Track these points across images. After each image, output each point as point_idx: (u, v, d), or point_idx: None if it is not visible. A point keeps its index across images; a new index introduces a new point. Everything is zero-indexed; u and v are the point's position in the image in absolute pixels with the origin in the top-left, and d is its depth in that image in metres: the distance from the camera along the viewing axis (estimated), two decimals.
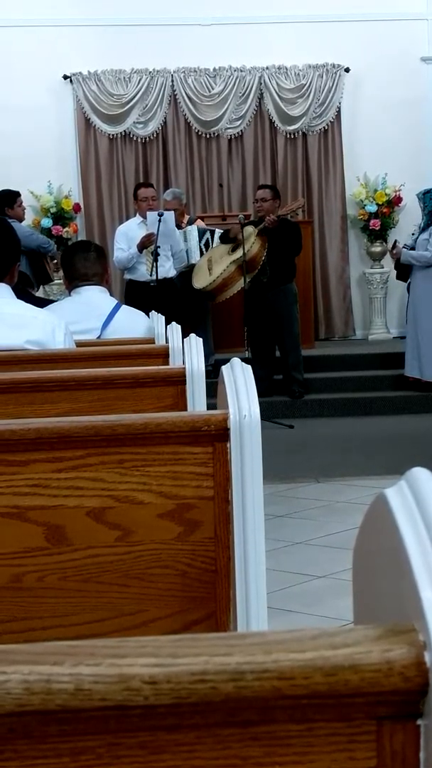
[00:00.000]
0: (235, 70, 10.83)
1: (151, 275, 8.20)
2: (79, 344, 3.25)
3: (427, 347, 8.64)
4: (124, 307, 4.13)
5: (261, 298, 8.52)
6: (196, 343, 2.40)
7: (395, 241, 9.17)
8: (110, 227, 10.36)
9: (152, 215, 8.08)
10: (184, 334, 2.68)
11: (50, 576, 1.58)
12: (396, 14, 10.87)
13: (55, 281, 9.15)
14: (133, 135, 10.82)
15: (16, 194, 8.32)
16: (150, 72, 10.72)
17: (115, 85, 10.74)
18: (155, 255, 8.07)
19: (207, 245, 8.97)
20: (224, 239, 8.71)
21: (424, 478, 0.67)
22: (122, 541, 1.58)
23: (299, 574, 4.45)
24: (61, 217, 10.54)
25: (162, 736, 0.61)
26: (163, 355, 2.98)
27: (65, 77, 10.68)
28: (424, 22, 11.05)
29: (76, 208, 10.68)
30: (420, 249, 8.64)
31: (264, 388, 7.24)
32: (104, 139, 10.78)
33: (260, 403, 1.59)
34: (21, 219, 8.30)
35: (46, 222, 10.46)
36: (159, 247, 8.02)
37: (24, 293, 4.74)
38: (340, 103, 11.00)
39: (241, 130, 10.93)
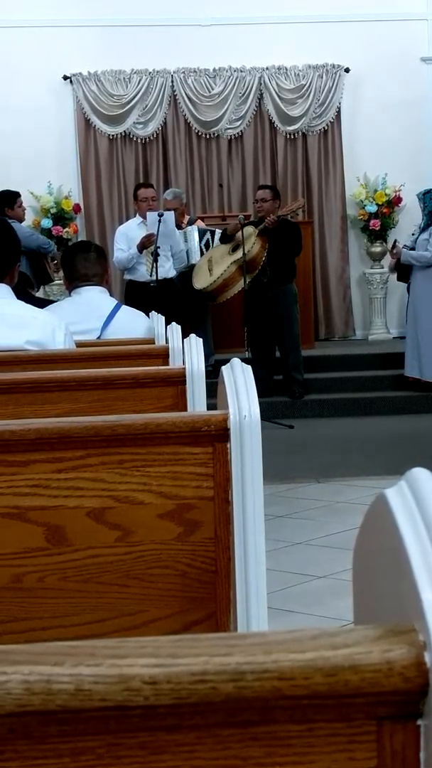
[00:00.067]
0: (235, 71, 10.83)
1: (151, 276, 8.20)
2: (79, 345, 3.25)
3: (427, 347, 8.64)
4: (124, 308, 4.13)
5: (261, 298, 8.52)
6: (196, 343, 2.40)
7: (395, 241, 9.16)
8: (110, 228, 10.36)
9: (152, 216, 8.08)
10: (184, 335, 2.68)
11: (50, 576, 1.58)
12: (396, 14, 10.87)
13: (56, 281, 9.15)
14: (133, 135, 10.83)
15: (16, 195, 8.32)
16: (150, 72, 10.72)
17: (115, 85, 10.75)
18: (155, 255, 8.07)
19: (207, 246, 8.97)
20: (224, 239, 8.71)
21: (424, 479, 0.67)
22: (122, 541, 1.58)
23: (299, 575, 4.46)
24: (61, 217, 10.54)
25: (162, 736, 0.61)
26: (163, 355, 2.98)
27: (65, 78, 10.69)
28: (424, 22, 11.05)
29: (76, 208, 10.68)
30: (420, 249, 8.64)
31: (264, 389, 7.24)
32: (104, 140, 10.79)
33: (260, 404, 1.59)
34: (21, 219, 8.30)
35: (46, 222, 10.46)
36: (159, 247, 8.02)
37: (24, 294, 4.74)
38: (340, 104, 11.00)
39: (241, 131, 10.93)
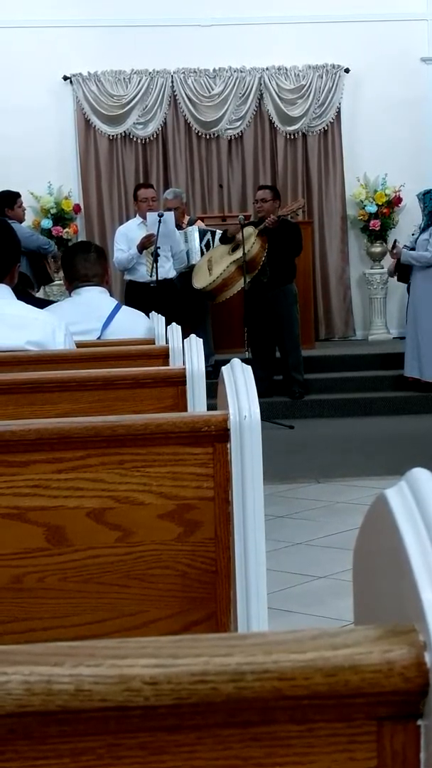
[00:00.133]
0: (234, 71, 10.83)
1: (151, 276, 8.20)
2: (79, 345, 3.25)
3: (427, 347, 8.64)
4: (125, 308, 4.13)
5: (261, 298, 8.52)
6: (196, 343, 2.40)
7: (395, 241, 9.16)
8: (110, 228, 10.36)
9: (152, 216, 8.08)
10: (184, 335, 2.68)
11: (51, 577, 1.58)
12: (396, 14, 10.87)
13: (56, 282, 9.15)
14: (133, 136, 10.83)
15: (16, 195, 8.32)
16: (150, 73, 10.72)
17: (115, 85, 10.75)
18: (155, 256, 8.07)
19: (208, 246, 8.98)
20: (224, 240, 8.71)
21: (424, 479, 0.67)
22: (122, 541, 1.58)
23: (299, 575, 4.46)
24: (61, 218, 10.55)
25: (162, 736, 0.61)
26: (163, 355, 2.98)
27: (65, 78, 10.69)
28: (424, 23, 11.06)
29: (76, 209, 10.68)
30: (420, 249, 8.64)
31: (264, 389, 7.24)
32: (104, 140, 10.79)
33: (260, 404, 1.59)
34: (21, 220, 8.30)
35: (46, 223, 10.46)
36: (159, 247, 8.02)
37: (24, 294, 4.74)
38: (340, 104, 11.00)
39: (241, 131, 10.93)
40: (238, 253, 8.37)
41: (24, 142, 10.39)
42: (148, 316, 4.12)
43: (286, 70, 10.90)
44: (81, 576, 1.58)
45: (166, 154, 10.89)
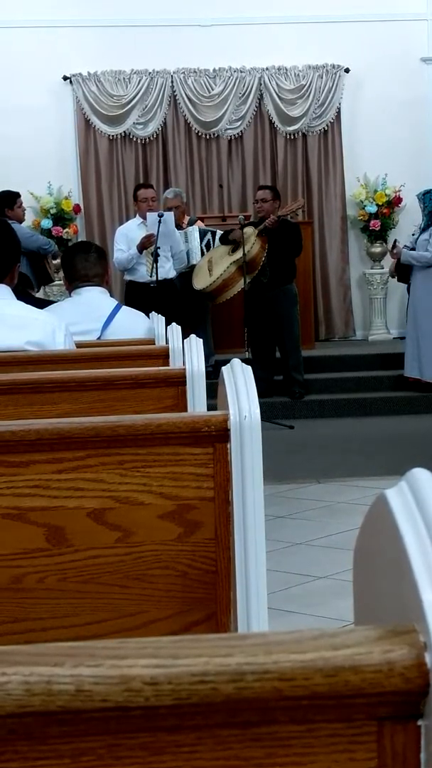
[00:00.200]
0: (234, 71, 10.83)
1: (151, 276, 8.20)
2: (79, 345, 3.25)
3: (427, 348, 8.64)
4: (125, 308, 4.13)
5: (261, 298, 8.52)
6: (196, 343, 2.40)
7: (395, 241, 9.17)
8: (110, 228, 10.36)
9: (152, 216, 8.07)
10: (185, 335, 2.68)
11: (51, 577, 1.58)
12: (396, 14, 10.87)
13: (56, 282, 9.15)
14: (133, 136, 10.83)
15: (16, 195, 8.31)
16: (150, 73, 10.72)
17: (115, 85, 10.75)
18: (155, 256, 8.07)
19: (209, 246, 8.98)
20: (224, 240, 8.71)
21: (424, 479, 0.67)
22: (122, 542, 1.58)
23: (300, 575, 4.45)
24: (61, 218, 10.55)
25: (163, 737, 0.61)
26: (163, 356, 2.98)
27: (65, 78, 10.69)
28: (424, 23, 11.06)
29: (76, 209, 10.68)
30: (420, 249, 8.64)
31: (264, 389, 7.24)
32: (104, 140, 10.79)
33: (260, 404, 1.59)
34: (21, 220, 8.29)
35: (46, 223, 10.46)
36: (159, 248, 8.02)
37: (24, 294, 4.74)
38: (340, 104, 11.00)
39: (241, 131, 10.93)
40: (238, 254, 8.37)
41: (24, 142, 10.39)
42: (148, 316, 4.12)
43: (286, 70, 10.90)
44: (81, 576, 1.58)
45: (166, 154, 10.89)
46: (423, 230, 8.71)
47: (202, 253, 8.87)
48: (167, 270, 8.35)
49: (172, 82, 10.78)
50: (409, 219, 10.48)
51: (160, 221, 7.96)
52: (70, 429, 1.57)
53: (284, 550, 4.83)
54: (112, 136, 10.77)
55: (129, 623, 1.59)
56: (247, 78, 10.85)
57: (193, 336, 2.46)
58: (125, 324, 3.95)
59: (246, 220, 8.59)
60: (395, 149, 10.84)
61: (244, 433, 1.56)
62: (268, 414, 7.51)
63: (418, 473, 0.68)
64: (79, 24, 10.44)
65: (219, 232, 8.95)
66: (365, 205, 10.87)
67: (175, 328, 3.04)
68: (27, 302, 3.36)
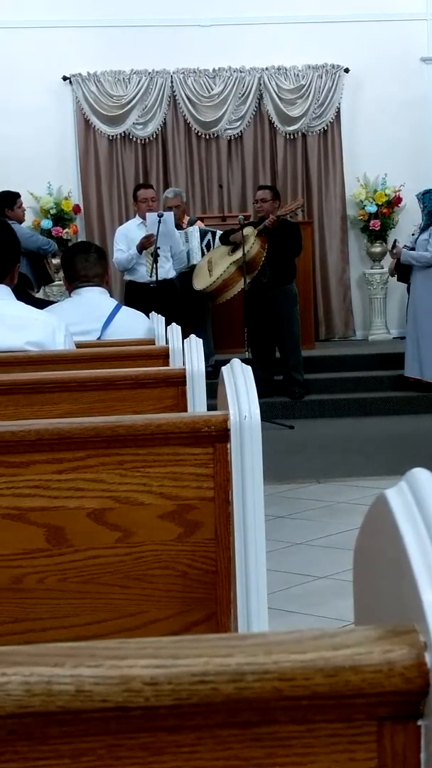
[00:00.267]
0: (234, 71, 10.83)
1: (150, 276, 8.20)
2: (79, 345, 3.25)
3: (427, 348, 8.64)
4: (125, 308, 4.13)
5: (261, 298, 8.52)
6: (196, 344, 2.40)
7: (395, 241, 9.17)
8: (110, 228, 10.37)
9: (152, 216, 8.07)
10: (184, 335, 2.68)
11: (51, 577, 1.58)
12: (396, 14, 10.87)
13: (56, 282, 9.15)
14: (133, 136, 10.83)
15: (16, 195, 8.31)
16: (149, 73, 10.73)
17: (115, 86, 10.75)
18: (155, 256, 8.07)
19: (209, 246, 8.98)
20: (224, 240, 8.71)
21: (424, 479, 0.67)
22: (123, 542, 1.58)
23: (300, 575, 4.45)
24: (60, 218, 10.55)
25: (163, 737, 0.61)
26: (163, 356, 2.98)
27: (65, 78, 10.69)
28: (424, 22, 11.06)
29: (76, 209, 10.68)
30: (420, 249, 8.64)
31: (264, 389, 7.24)
32: (104, 140, 10.79)
33: (260, 404, 1.59)
34: (21, 220, 8.29)
35: (46, 223, 10.46)
36: (159, 248, 8.02)
37: (24, 295, 4.74)
38: (339, 104, 11.00)
39: (241, 131, 10.93)
40: (238, 254, 8.37)
41: (24, 142, 10.39)
42: (148, 316, 4.12)
43: (286, 70, 10.90)
44: (81, 576, 1.58)
45: (165, 155, 10.89)
46: (423, 230, 8.71)
47: (203, 254, 8.87)
48: (167, 270, 8.35)
49: (171, 82, 10.78)
50: (408, 219, 10.48)
51: (159, 221, 7.96)
52: (70, 429, 1.57)
53: (284, 550, 4.83)
54: (112, 136, 10.77)
55: (129, 623, 1.59)
56: (246, 78, 10.85)
57: (193, 336, 2.46)
58: (125, 324, 3.95)
59: (246, 220, 8.59)
60: (395, 149, 10.84)
61: (244, 433, 1.56)
62: (268, 414, 7.52)
63: (418, 473, 0.68)
64: (78, 24, 10.44)
65: (219, 233, 8.95)
66: (365, 205, 10.87)
67: (175, 328, 3.04)
68: (27, 302, 3.36)
